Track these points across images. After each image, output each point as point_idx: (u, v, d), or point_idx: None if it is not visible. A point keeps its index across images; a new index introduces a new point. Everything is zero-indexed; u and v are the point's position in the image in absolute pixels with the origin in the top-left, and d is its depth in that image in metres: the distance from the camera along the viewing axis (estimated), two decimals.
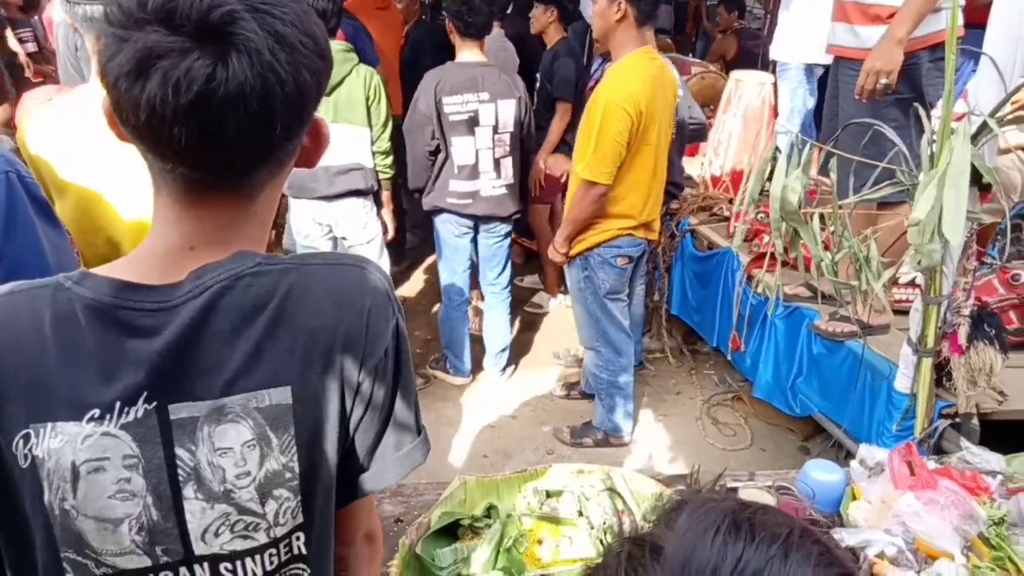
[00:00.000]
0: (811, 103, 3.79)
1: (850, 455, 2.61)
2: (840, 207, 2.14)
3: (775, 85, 3.84)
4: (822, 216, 2.19)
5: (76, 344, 0.67)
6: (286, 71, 0.64)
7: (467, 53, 3.00)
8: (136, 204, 1.41)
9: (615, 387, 2.97)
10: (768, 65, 4.64)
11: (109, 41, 0.63)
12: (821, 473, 1.60)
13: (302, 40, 0.65)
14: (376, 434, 0.79)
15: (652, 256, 3.57)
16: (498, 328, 3.44)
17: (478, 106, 2.96)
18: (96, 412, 0.67)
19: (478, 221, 3.21)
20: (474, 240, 3.28)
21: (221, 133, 0.63)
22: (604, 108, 2.47)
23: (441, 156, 3.08)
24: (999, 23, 2.01)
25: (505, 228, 3.26)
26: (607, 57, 4.25)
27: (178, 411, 0.69)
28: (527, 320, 4.09)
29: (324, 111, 2.91)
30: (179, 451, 0.69)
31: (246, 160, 0.68)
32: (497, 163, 3.07)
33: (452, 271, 3.32)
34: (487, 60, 3.05)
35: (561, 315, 4.15)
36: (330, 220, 3.06)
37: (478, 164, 3.05)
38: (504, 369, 3.51)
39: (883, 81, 2.40)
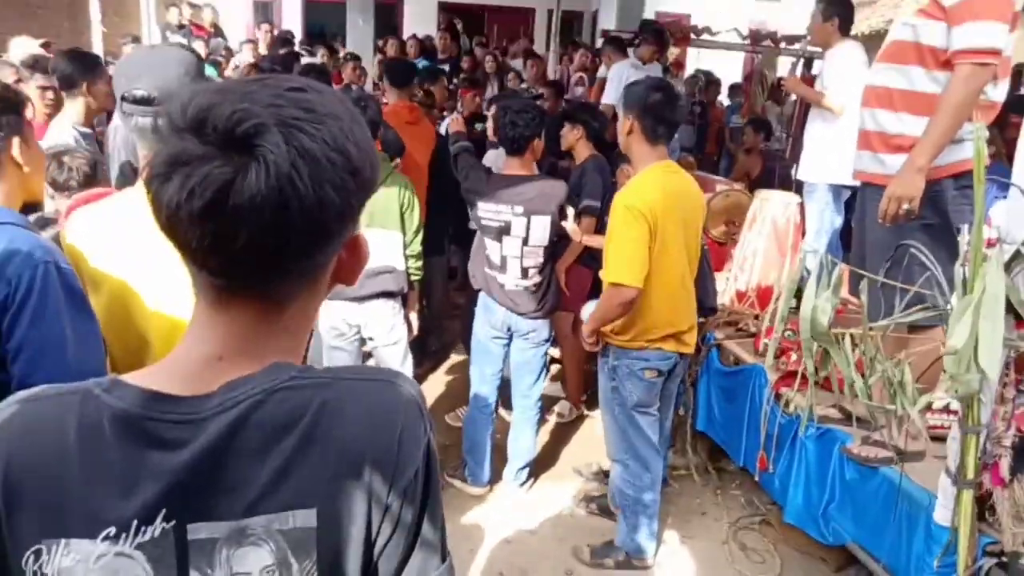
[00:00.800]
0: (838, 223, 3.84)
1: None
2: (871, 329, 2.13)
3: (801, 205, 3.91)
4: (852, 337, 2.17)
5: (99, 456, 0.66)
6: (306, 185, 0.64)
7: (509, 167, 3.11)
8: (170, 305, 1.43)
9: (640, 505, 2.86)
10: (791, 185, 4.76)
11: (155, 146, 0.67)
12: None
13: (330, 156, 0.66)
14: (401, 560, 0.76)
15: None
16: (524, 442, 3.37)
17: (511, 218, 3.03)
18: (112, 530, 0.65)
19: (511, 329, 3.21)
20: (507, 346, 3.27)
21: (234, 240, 0.64)
22: (619, 213, 2.54)
23: (479, 240, 3.21)
24: None
25: (541, 335, 3.23)
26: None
27: (197, 531, 0.67)
28: (547, 429, 4.01)
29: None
30: (194, 574, 0.67)
31: (263, 270, 0.68)
32: (525, 271, 3.11)
33: (482, 375, 3.30)
34: (530, 172, 3.12)
35: (583, 426, 4.08)
36: (359, 320, 3.09)
37: (505, 266, 3.10)
38: (524, 483, 3.42)
39: (904, 207, 2.43)
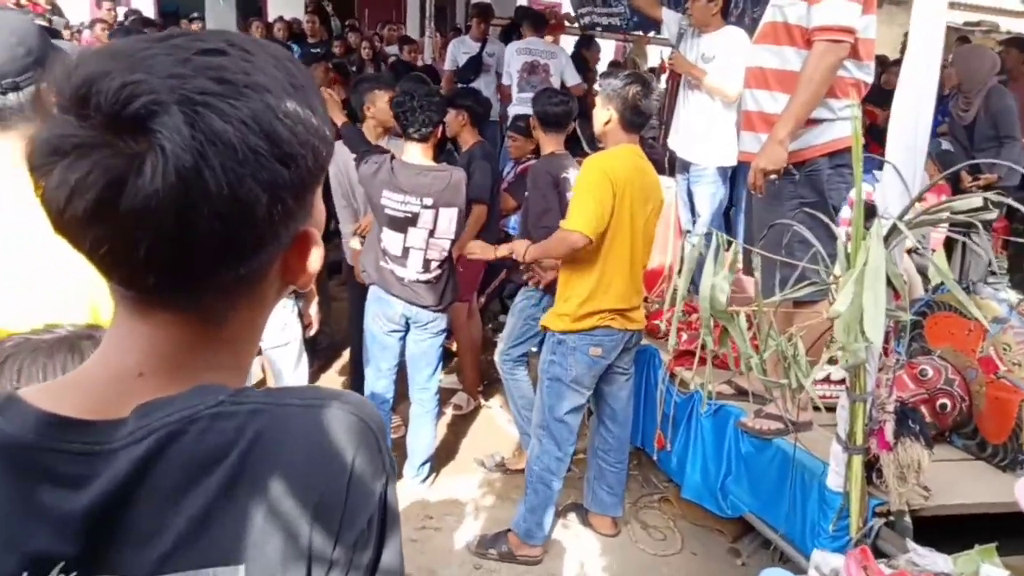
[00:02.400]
0: (725, 201, 3.98)
1: (784, 556, 2.58)
2: (764, 306, 2.19)
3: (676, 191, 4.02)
4: (747, 315, 2.23)
5: None
6: (218, 180, 0.50)
7: (412, 154, 2.98)
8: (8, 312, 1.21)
9: (544, 485, 2.82)
10: (664, 170, 4.89)
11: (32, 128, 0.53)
12: None
13: (250, 141, 0.52)
14: None
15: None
16: (425, 437, 3.27)
17: (419, 210, 2.92)
18: None
19: (409, 320, 3.10)
20: (403, 340, 3.16)
21: (133, 249, 0.51)
22: (589, 172, 2.62)
23: (373, 232, 3.09)
24: (898, 134, 2.16)
25: (438, 325, 3.14)
26: (518, 160, 4.36)
27: None
28: (444, 422, 3.93)
29: None
30: None
31: (178, 282, 0.55)
32: (427, 263, 3.01)
33: (377, 370, 3.17)
34: (432, 161, 3.02)
35: (481, 417, 4.02)
36: None
37: (406, 257, 2.99)
38: (425, 478, 3.32)
39: (771, 177, 2.53)
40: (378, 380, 3.18)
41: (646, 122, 2.81)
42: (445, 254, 3.04)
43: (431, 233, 2.96)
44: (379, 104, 3.36)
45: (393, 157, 3.02)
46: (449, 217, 2.98)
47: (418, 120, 2.90)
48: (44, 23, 6.88)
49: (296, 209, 0.58)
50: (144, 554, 0.54)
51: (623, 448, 3.00)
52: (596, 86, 2.82)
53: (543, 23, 6.23)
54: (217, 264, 0.55)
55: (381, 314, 3.10)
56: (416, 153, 2.98)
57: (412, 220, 2.93)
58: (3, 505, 0.53)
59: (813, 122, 2.56)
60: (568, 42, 7.65)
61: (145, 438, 0.54)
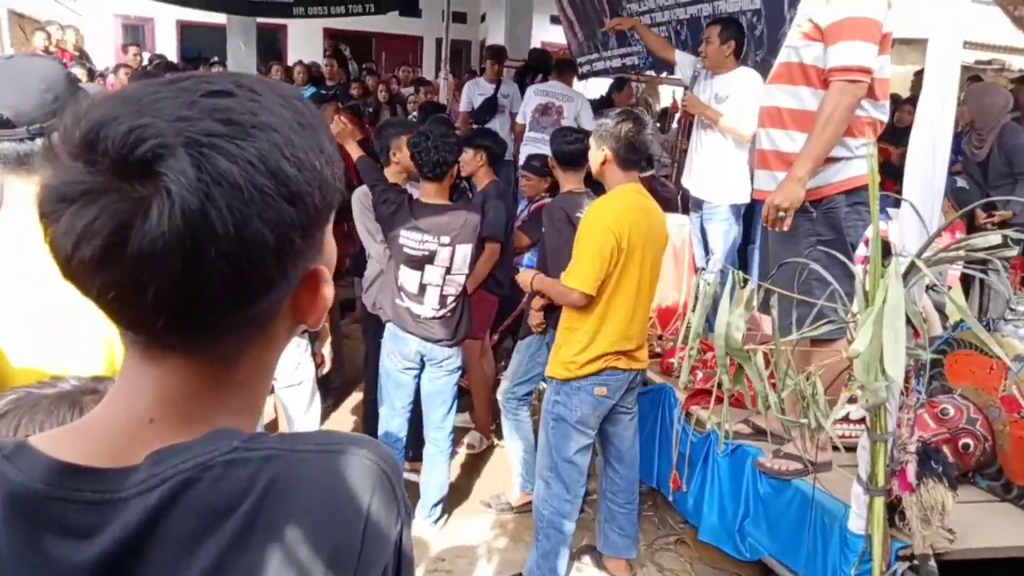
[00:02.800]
0: (739, 239, 3.97)
1: None
2: (781, 345, 2.17)
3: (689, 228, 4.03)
4: (765, 353, 2.21)
5: None
6: (225, 222, 0.50)
7: (428, 194, 3.02)
8: (23, 351, 1.22)
9: (556, 529, 2.77)
10: (677, 208, 4.90)
11: (43, 175, 0.53)
12: None
13: (257, 182, 0.52)
14: None
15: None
16: (439, 477, 3.23)
17: (436, 248, 2.95)
18: None
19: (424, 358, 3.09)
20: (418, 378, 3.15)
21: (141, 293, 0.51)
22: (587, 226, 2.60)
23: (390, 270, 3.10)
24: (915, 172, 2.15)
25: (454, 363, 3.13)
26: (532, 199, 4.38)
27: None
28: (459, 462, 3.90)
29: None
30: None
31: (188, 325, 0.55)
32: (444, 299, 3.02)
33: (392, 408, 3.16)
34: (447, 199, 3.06)
35: (495, 456, 3.98)
36: None
37: (423, 294, 3.00)
38: (437, 519, 3.28)
39: (781, 214, 2.52)
40: (392, 419, 3.17)
41: (642, 158, 2.80)
42: (460, 288, 3.06)
43: (448, 270, 2.98)
44: (405, 149, 3.31)
45: (410, 197, 3.05)
46: (464, 254, 3.00)
47: (432, 160, 2.94)
48: (83, 71, 7.08)
49: (305, 248, 0.57)
50: None
51: (632, 489, 2.95)
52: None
53: (571, 70, 6.21)
54: (226, 306, 0.55)
55: (397, 352, 3.10)
56: (432, 192, 3.02)
57: (430, 258, 2.95)
58: (12, 556, 0.52)
59: (831, 160, 2.56)
60: (578, 85, 7.75)
61: (158, 486, 0.53)
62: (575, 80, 6.33)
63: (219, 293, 0.53)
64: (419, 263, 2.96)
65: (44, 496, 0.53)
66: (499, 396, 3.58)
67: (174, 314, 0.53)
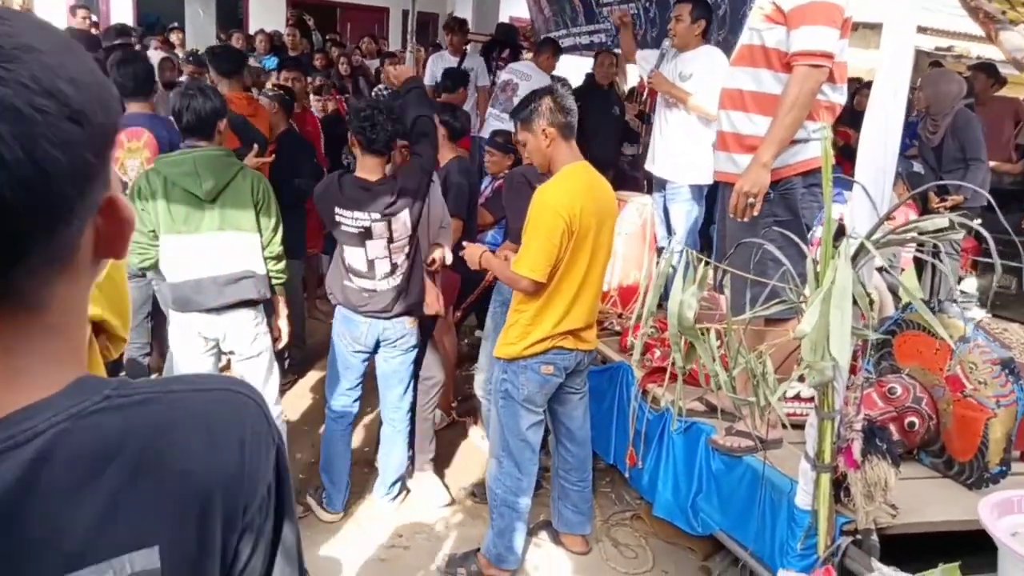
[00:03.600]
0: (701, 219, 4.00)
1: (753, 574, 2.57)
2: (733, 324, 2.20)
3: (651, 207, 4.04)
4: (717, 331, 2.24)
5: None
6: (11, 147, 0.49)
7: (367, 168, 2.94)
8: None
9: (509, 507, 2.78)
10: (642, 188, 4.92)
11: None
12: None
13: (36, 103, 0.50)
14: None
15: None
16: (397, 456, 3.22)
17: (370, 223, 2.88)
18: None
19: (379, 340, 3.06)
20: (367, 360, 3.13)
21: None
22: (539, 208, 2.55)
23: (337, 252, 3.04)
24: (868, 156, 2.18)
25: (408, 342, 3.10)
26: (495, 176, 4.36)
27: None
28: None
29: (210, 218, 2.75)
30: None
31: None
32: (394, 267, 2.97)
33: (339, 389, 3.14)
34: (385, 175, 2.96)
35: (455, 434, 3.99)
36: (217, 334, 2.85)
37: (372, 269, 2.96)
38: (395, 497, 3.28)
39: (750, 200, 2.54)
40: (338, 398, 3.15)
41: (575, 120, 2.67)
42: (408, 254, 2.99)
43: (390, 240, 2.93)
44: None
45: (341, 174, 2.99)
46: (403, 221, 2.92)
47: (371, 136, 2.85)
48: None
49: (100, 167, 0.56)
50: (50, 557, 0.53)
51: (584, 467, 2.98)
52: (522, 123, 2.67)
53: (551, 51, 6.04)
54: (30, 237, 0.52)
55: (347, 334, 3.07)
56: (371, 166, 2.92)
57: (368, 233, 2.90)
58: None
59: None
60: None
61: (31, 440, 0.53)
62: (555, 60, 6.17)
63: (19, 224, 0.51)
64: (358, 240, 2.90)
65: None
66: (479, 391, 3.57)
67: None
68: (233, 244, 2.77)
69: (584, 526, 3.01)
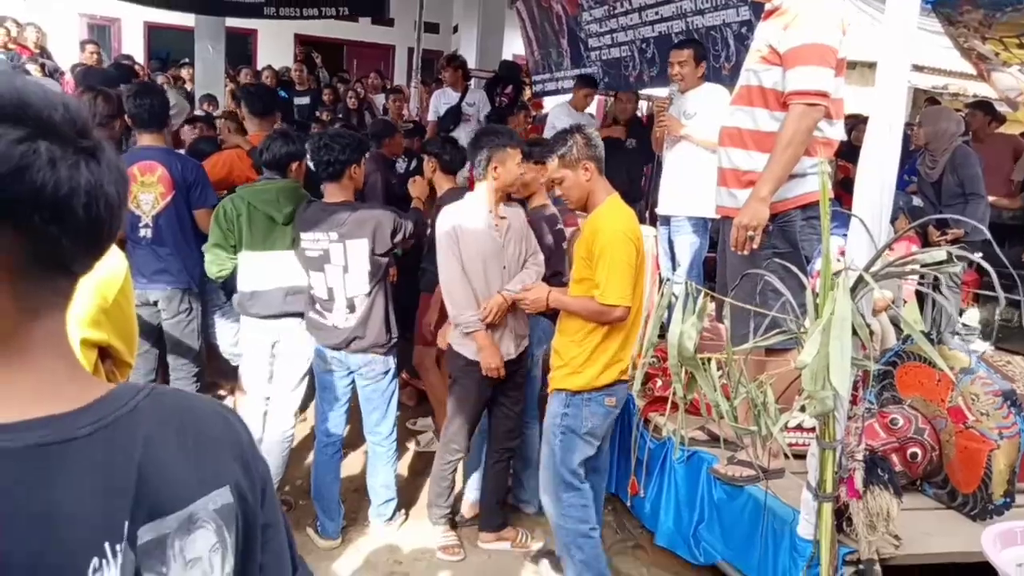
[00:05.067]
0: (704, 252, 4.05)
1: None
2: (733, 353, 2.22)
3: (656, 239, 4.09)
4: (718, 361, 2.26)
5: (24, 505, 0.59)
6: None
7: (329, 193, 3.04)
8: None
9: (585, 537, 2.68)
10: (645, 220, 4.97)
11: None
12: None
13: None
14: (272, 536, 0.81)
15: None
16: (381, 478, 3.23)
17: (328, 245, 2.95)
18: (95, 562, 0.61)
19: (347, 366, 3.10)
20: (345, 379, 3.16)
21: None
22: (608, 238, 2.51)
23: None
24: (865, 190, 2.23)
25: (377, 369, 3.09)
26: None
27: (144, 535, 0.65)
28: (420, 465, 3.90)
29: (282, 239, 3.08)
30: None
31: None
32: (351, 301, 3.00)
33: (322, 412, 3.18)
34: (344, 198, 3.03)
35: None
36: (275, 337, 3.18)
37: (333, 300, 3.00)
38: (391, 519, 3.27)
39: (750, 234, 2.59)
40: (322, 423, 3.19)
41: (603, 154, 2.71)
42: (367, 287, 2.99)
43: (345, 269, 2.97)
44: (508, 165, 2.95)
45: (310, 201, 3.11)
46: (358, 251, 2.95)
47: (323, 160, 2.94)
48: (36, 66, 6.96)
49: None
50: (178, 492, 0.68)
51: (601, 497, 2.94)
52: (550, 160, 2.66)
53: (592, 86, 6.06)
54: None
55: (317, 354, 3.16)
56: (333, 192, 3.02)
57: (326, 257, 2.96)
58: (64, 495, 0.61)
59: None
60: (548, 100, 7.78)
61: (127, 414, 0.67)
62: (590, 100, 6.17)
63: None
64: (318, 264, 2.98)
65: (37, 445, 0.61)
66: None
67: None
68: (296, 262, 3.06)
69: None
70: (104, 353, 1.52)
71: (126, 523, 0.63)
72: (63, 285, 0.66)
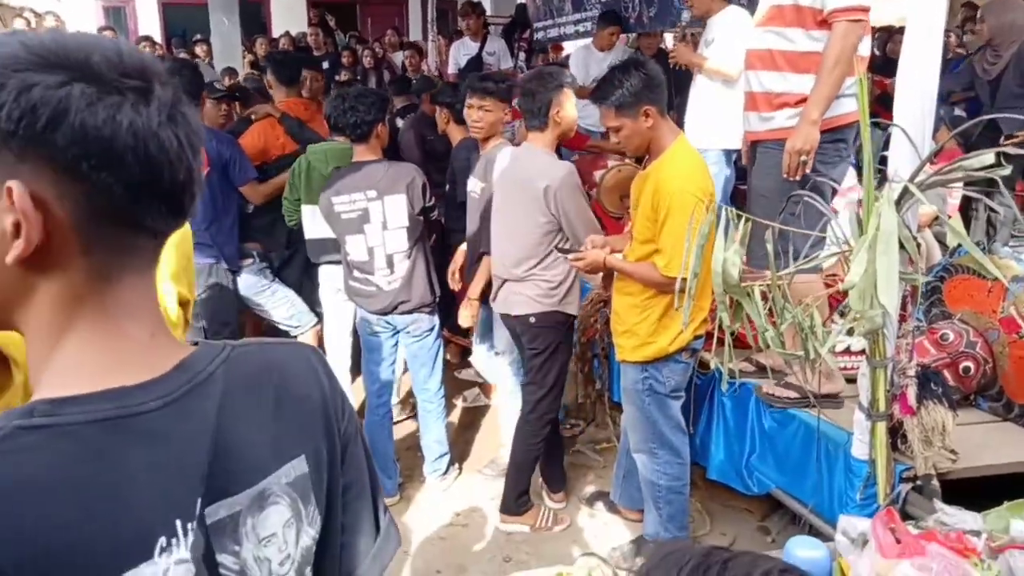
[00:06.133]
0: (731, 183, 3.97)
1: (812, 529, 2.56)
2: (779, 278, 2.18)
3: None
4: (761, 288, 2.22)
5: (106, 478, 0.58)
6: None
7: (357, 154, 3.04)
8: None
9: (677, 493, 2.66)
10: None
11: None
12: (806, 550, 1.54)
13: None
14: (358, 490, 0.80)
15: (592, 343, 3.52)
16: (433, 435, 3.29)
17: (367, 204, 2.96)
18: (163, 541, 0.59)
19: (397, 327, 3.13)
20: (394, 338, 3.19)
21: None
22: (675, 201, 2.32)
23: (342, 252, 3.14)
24: (905, 99, 2.14)
25: (422, 327, 3.13)
26: None
27: (216, 512, 0.63)
28: (468, 418, 3.96)
29: None
30: (222, 558, 0.63)
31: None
32: (390, 259, 3.01)
33: (370, 372, 3.22)
34: (376, 157, 3.03)
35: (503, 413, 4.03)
36: (340, 284, 3.25)
37: (373, 260, 3.01)
38: (445, 473, 3.34)
39: (803, 158, 2.52)
40: (372, 383, 3.23)
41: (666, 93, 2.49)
42: (406, 245, 3.00)
43: (384, 226, 2.98)
44: (567, 106, 2.79)
45: (339, 166, 3.12)
46: (396, 206, 2.97)
47: (350, 122, 2.92)
48: None
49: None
50: (248, 468, 0.66)
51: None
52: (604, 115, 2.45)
53: (616, 23, 5.65)
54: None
55: (363, 316, 3.17)
56: (362, 153, 3.02)
57: (365, 217, 2.97)
58: (141, 474, 0.59)
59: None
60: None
61: (207, 378, 0.65)
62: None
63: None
64: (357, 225, 2.98)
65: (119, 417, 0.59)
66: (479, 364, 3.58)
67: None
68: None
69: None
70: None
71: (198, 500, 0.61)
72: (142, 245, 0.63)
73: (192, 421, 0.63)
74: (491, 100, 3.07)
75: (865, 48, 2.64)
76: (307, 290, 3.74)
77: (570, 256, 2.62)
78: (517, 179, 2.81)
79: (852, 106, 2.53)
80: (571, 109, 2.80)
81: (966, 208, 4.61)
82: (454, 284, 3.41)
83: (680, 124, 4.38)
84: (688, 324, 2.41)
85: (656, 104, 2.39)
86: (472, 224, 3.23)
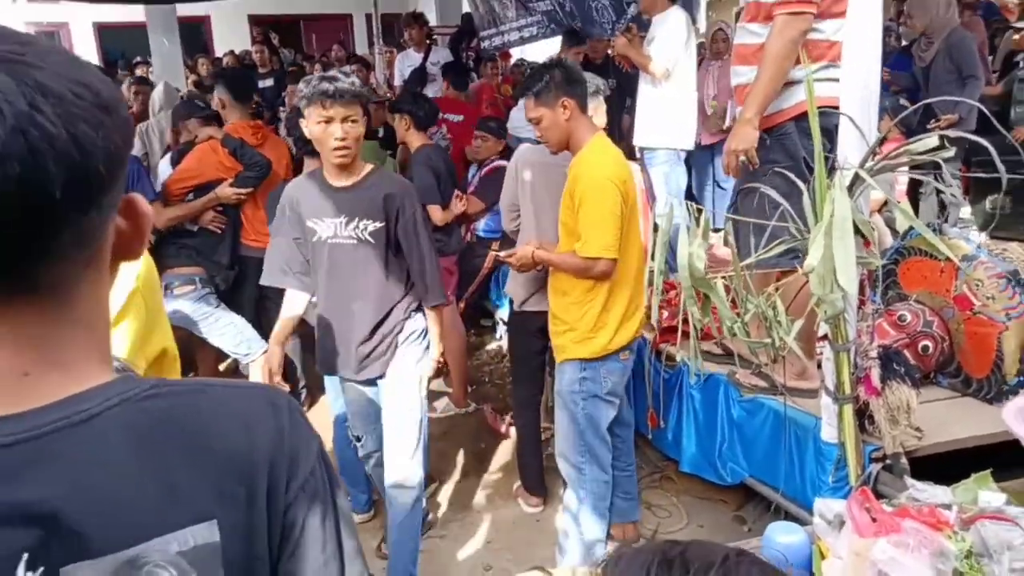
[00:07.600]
0: (683, 183, 4.02)
1: (788, 516, 2.59)
2: (742, 270, 2.21)
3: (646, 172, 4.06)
4: (724, 280, 2.25)
5: None
6: (54, 123, 0.51)
7: (308, 167, 3.00)
8: None
9: (599, 514, 2.59)
10: (628, 155, 4.92)
11: None
12: (785, 536, 1.56)
13: (73, 89, 0.54)
14: (318, 565, 0.66)
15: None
16: None
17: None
18: None
19: None
20: None
21: None
22: (589, 185, 2.36)
23: None
24: (851, 84, 2.19)
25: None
26: (482, 163, 4.35)
27: (74, 573, 0.54)
28: (436, 431, 3.92)
29: None
30: None
31: (25, 246, 0.53)
32: None
33: (332, 384, 3.14)
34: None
35: (476, 421, 4.01)
36: None
37: None
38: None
39: (742, 158, 2.55)
40: (335, 400, 3.10)
41: (587, 91, 2.54)
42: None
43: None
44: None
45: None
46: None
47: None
48: None
49: (125, 154, 0.59)
50: (119, 528, 0.56)
51: (631, 450, 2.85)
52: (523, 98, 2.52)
53: (579, 43, 5.68)
54: (63, 217, 0.54)
55: None
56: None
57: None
58: None
59: (784, 85, 2.59)
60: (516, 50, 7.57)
61: (85, 421, 0.56)
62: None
63: (58, 201, 0.52)
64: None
65: None
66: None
67: (16, 228, 0.52)
68: None
69: (634, 512, 2.89)
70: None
71: (24, 556, 0.52)
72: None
73: (47, 463, 0.54)
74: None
75: (838, 33, 2.61)
76: (272, 309, 3.64)
77: (502, 254, 2.75)
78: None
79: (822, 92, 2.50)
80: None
81: (914, 192, 4.76)
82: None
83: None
84: (625, 322, 2.48)
85: (574, 98, 2.43)
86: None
